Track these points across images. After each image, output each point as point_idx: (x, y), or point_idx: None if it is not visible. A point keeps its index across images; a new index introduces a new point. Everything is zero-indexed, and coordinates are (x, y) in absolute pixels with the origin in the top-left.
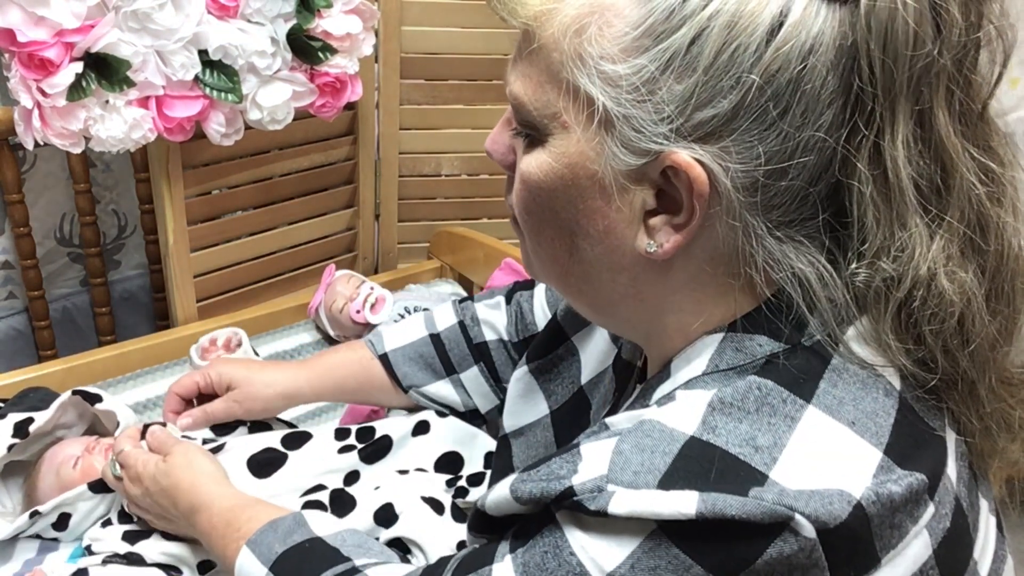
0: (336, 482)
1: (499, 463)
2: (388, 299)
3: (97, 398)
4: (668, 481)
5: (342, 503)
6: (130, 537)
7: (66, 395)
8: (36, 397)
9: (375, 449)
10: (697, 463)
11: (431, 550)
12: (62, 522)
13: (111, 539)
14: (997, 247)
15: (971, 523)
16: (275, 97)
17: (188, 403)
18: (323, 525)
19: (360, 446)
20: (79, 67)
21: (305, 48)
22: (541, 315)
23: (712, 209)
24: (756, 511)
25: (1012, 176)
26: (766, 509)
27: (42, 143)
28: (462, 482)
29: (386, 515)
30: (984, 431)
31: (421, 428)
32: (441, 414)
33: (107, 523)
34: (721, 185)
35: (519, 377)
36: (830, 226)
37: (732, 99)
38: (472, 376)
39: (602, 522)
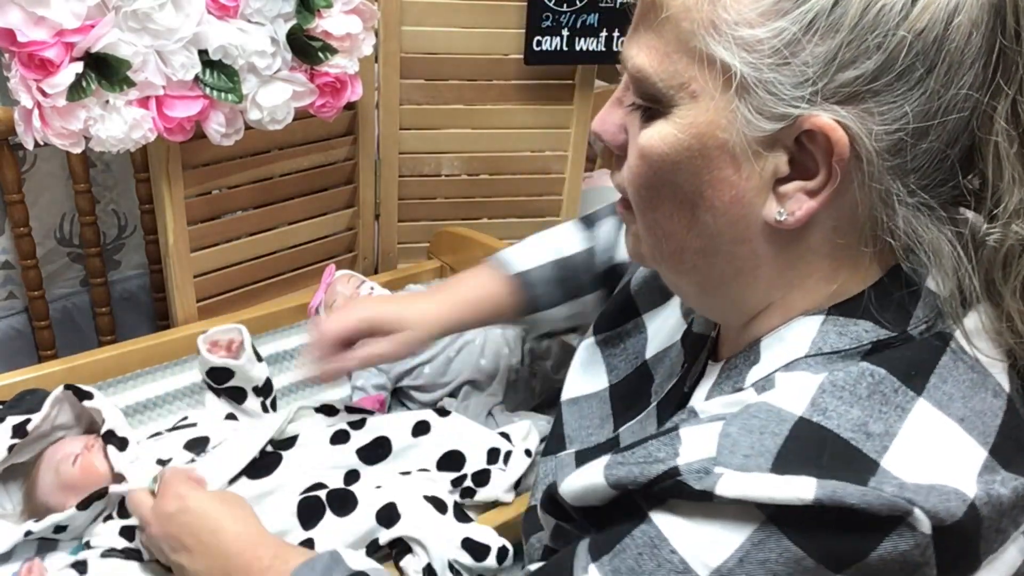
0: (336, 481)
1: (554, 429)
2: None
3: (87, 395)
4: (782, 465)
5: (343, 502)
6: (127, 533)
7: (59, 390)
8: (33, 400)
9: (375, 451)
10: (808, 446)
11: (433, 549)
12: (59, 529)
13: (109, 534)
14: None
15: None
16: (275, 97)
17: (344, 346)
18: (357, 559)
19: (353, 433)
20: (79, 67)
21: (305, 48)
22: (623, 252)
23: (849, 173)
24: (876, 502)
25: None
26: (886, 501)
27: (42, 143)
28: (468, 482)
29: (388, 515)
30: None
31: (421, 428)
32: (442, 412)
33: (108, 518)
34: (862, 148)
35: (585, 346)
36: (960, 194)
37: (877, 59)
38: (593, 299)
39: (706, 508)
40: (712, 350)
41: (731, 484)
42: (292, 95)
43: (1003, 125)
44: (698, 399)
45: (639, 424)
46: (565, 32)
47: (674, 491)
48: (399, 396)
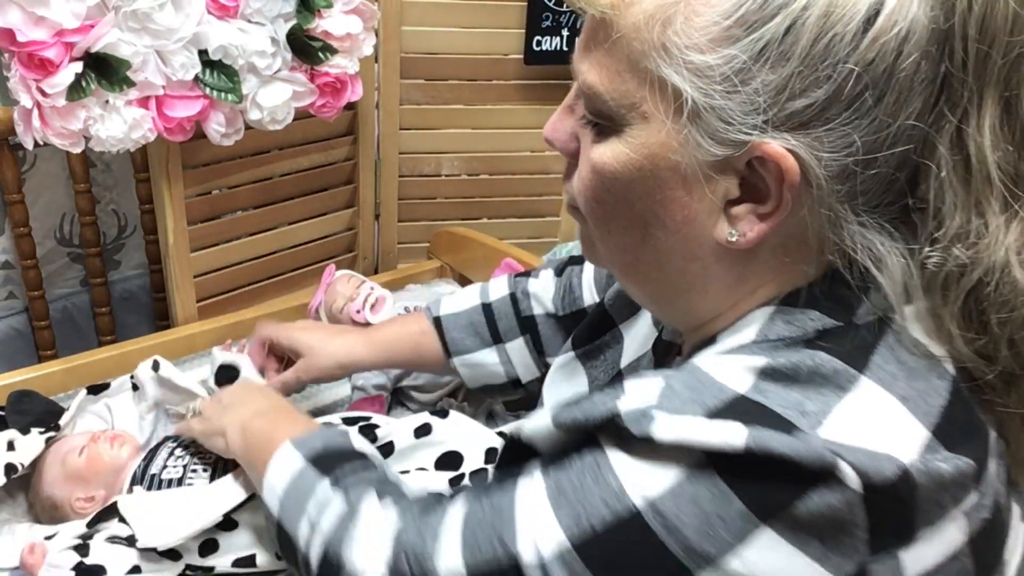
0: None
1: None
2: (388, 299)
3: (104, 387)
4: (715, 413)
5: None
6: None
7: (81, 394)
8: (38, 407)
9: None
10: (744, 411)
11: None
12: None
13: (113, 522)
14: None
15: (1006, 522)
16: (275, 97)
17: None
18: (364, 444)
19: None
20: (79, 67)
21: (305, 48)
22: (588, 293)
23: (799, 197)
24: (804, 451)
25: None
26: (813, 451)
27: (42, 143)
28: (465, 480)
29: None
30: None
31: (423, 430)
32: (442, 414)
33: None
34: (812, 174)
35: (564, 363)
36: (906, 210)
37: (827, 88)
38: (517, 347)
39: (648, 448)
40: (676, 355)
41: (666, 426)
42: (292, 95)
43: (946, 151)
44: None
45: None
46: (565, 32)
47: (615, 434)
48: (399, 396)
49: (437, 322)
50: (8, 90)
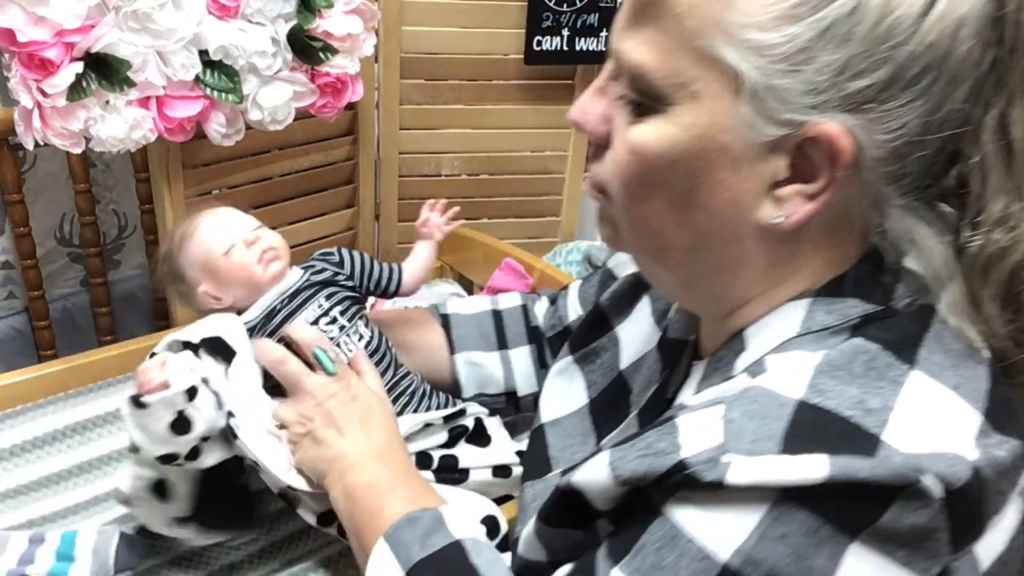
0: None
1: (533, 452)
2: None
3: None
4: (790, 446)
5: None
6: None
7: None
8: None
9: None
10: (812, 426)
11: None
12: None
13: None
14: None
15: None
16: (276, 97)
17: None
18: (461, 525)
19: None
20: (79, 67)
21: (306, 48)
22: (572, 311)
23: (846, 178)
24: (886, 473)
25: None
26: (895, 471)
27: (42, 143)
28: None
29: None
30: None
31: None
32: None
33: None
34: (864, 155)
35: (562, 368)
36: (942, 195)
37: (887, 70)
38: (521, 355)
39: (718, 496)
40: (694, 351)
41: (742, 470)
42: (293, 95)
43: (990, 136)
44: (685, 398)
45: (620, 434)
46: (565, 32)
47: (684, 484)
48: None
49: (444, 319)
50: (8, 90)
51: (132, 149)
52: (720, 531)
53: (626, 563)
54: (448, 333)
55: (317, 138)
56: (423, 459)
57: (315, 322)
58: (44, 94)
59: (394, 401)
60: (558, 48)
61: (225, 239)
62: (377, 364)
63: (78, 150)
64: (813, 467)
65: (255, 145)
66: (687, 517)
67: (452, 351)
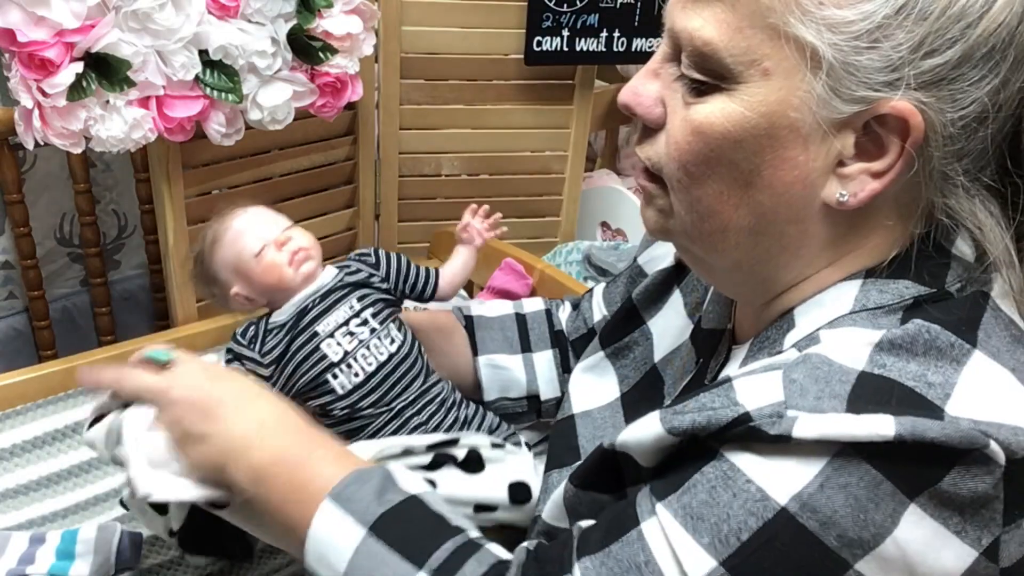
0: None
1: (561, 443)
2: None
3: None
4: (856, 406)
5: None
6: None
7: None
8: None
9: None
10: (877, 391)
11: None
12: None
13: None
14: None
15: None
16: (276, 97)
17: None
18: (411, 482)
19: None
20: (79, 67)
21: (306, 48)
22: (597, 312)
23: (913, 156)
24: (955, 434)
25: None
26: (963, 433)
27: (42, 143)
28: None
29: None
30: None
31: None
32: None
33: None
34: (933, 133)
35: (593, 363)
36: (999, 180)
37: (959, 48)
38: (544, 359)
39: (783, 448)
40: (731, 339)
41: (809, 425)
42: (292, 95)
43: None
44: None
45: None
46: (565, 32)
47: (747, 435)
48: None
49: (468, 321)
50: (8, 90)
51: (132, 149)
52: (780, 476)
53: (673, 499)
54: (471, 335)
55: (317, 138)
56: None
57: (346, 323)
58: (44, 94)
59: (421, 410)
60: (558, 48)
61: (256, 241)
62: (408, 370)
63: (78, 150)
64: (881, 424)
65: (255, 145)
66: (747, 461)
67: (475, 353)
